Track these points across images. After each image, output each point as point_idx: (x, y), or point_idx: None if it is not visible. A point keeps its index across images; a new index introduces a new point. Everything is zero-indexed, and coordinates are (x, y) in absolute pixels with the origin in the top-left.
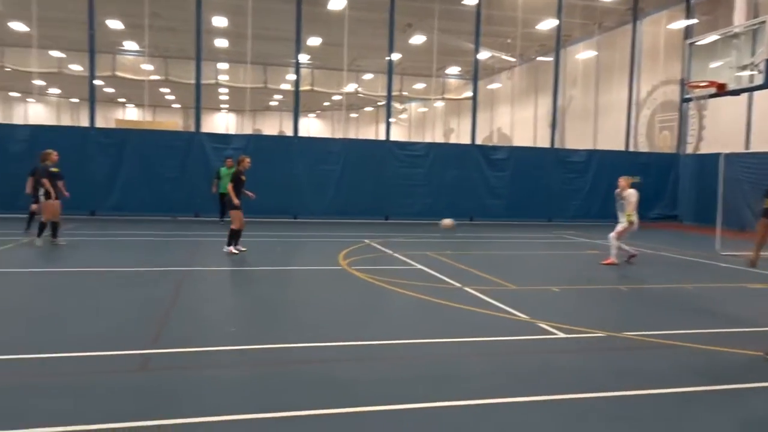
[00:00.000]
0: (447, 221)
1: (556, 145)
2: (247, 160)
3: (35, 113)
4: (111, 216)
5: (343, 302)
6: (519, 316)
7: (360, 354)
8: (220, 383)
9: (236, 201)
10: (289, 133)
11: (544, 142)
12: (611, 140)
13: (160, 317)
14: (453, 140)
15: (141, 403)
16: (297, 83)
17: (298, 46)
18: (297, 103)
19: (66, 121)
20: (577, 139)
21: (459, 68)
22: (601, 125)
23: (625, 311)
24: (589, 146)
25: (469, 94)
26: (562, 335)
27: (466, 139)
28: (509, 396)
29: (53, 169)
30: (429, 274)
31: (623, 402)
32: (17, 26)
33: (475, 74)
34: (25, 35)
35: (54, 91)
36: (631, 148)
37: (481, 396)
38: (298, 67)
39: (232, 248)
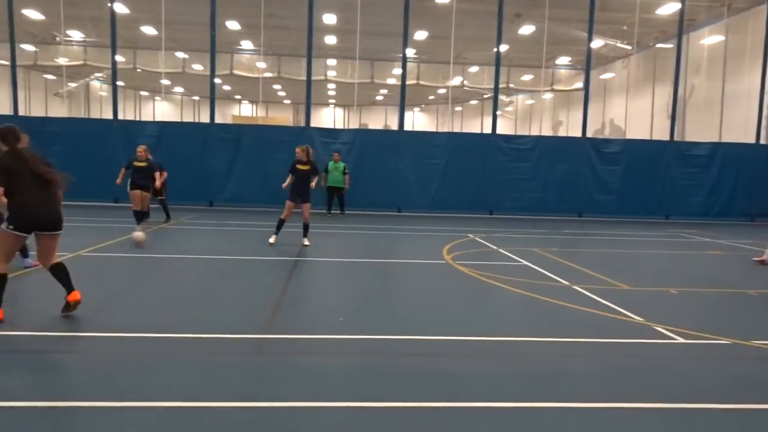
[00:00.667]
0: (138, 235)
1: (676, 138)
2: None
3: (162, 110)
4: (227, 207)
5: (448, 297)
6: (633, 318)
7: (464, 349)
8: (328, 370)
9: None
10: (395, 127)
11: (661, 135)
12: (739, 132)
13: (273, 304)
14: (562, 133)
15: (254, 385)
16: (403, 77)
17: (405, 40)
18: (403, 97)
19: (188, 117)
20: (699, 131)
21: (569, 58)
22: (728, 116)
23: (755, 317)
24: (713, 139)
25: (580, 84)
26: (681, 340)
27: (575, 132)
28: (619, 401)
29: (138, 163)
30: (535, 271)
31: (749, 416)
32: (148, 30)
33: (587, 64)
34: (154, 38)
35: (178, 89)
36: (763, 141)
37: (588, 399)
38: (404, 61)
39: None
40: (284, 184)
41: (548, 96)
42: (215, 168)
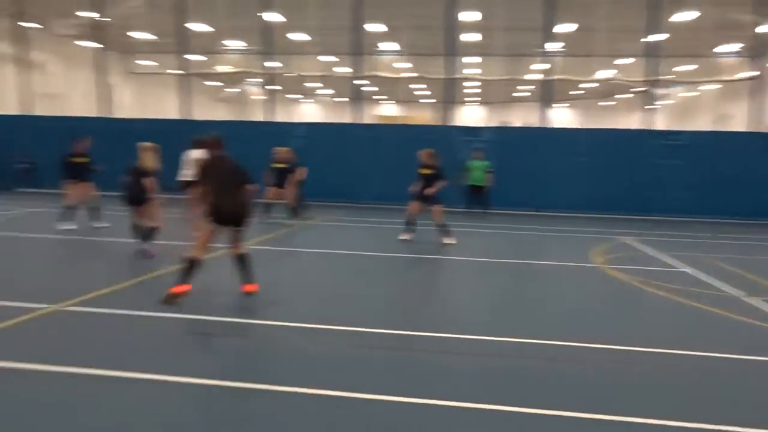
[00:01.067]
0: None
1: None
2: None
3: (309, 112)
4: (371, 205)
5: (598, 302)
6: None
7: (614, 358)
8: (468, 370)
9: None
10: (537, 124)
11: None
12: None
13: (414, 301)
14: (725, 128)
15: (394, 380)
16: (547, 72)
17: (549, 34)
18: (547, 93)
19: (334, 118)
20: None
21: (734, 46)
22: None
23: None
24: None
25: (748, 74)
26: None
27: (741, 126)
28: None
29: (277, 165)
30: (698, 279)
31: None
32: (297, 36)
33: (758, 51)
34: (304, 44)
35: (324, 91)
36: None
37: (754, 425)
38: (548, 55)
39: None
40: (412, 188)
41: (708, 87)
42: (359, 167)
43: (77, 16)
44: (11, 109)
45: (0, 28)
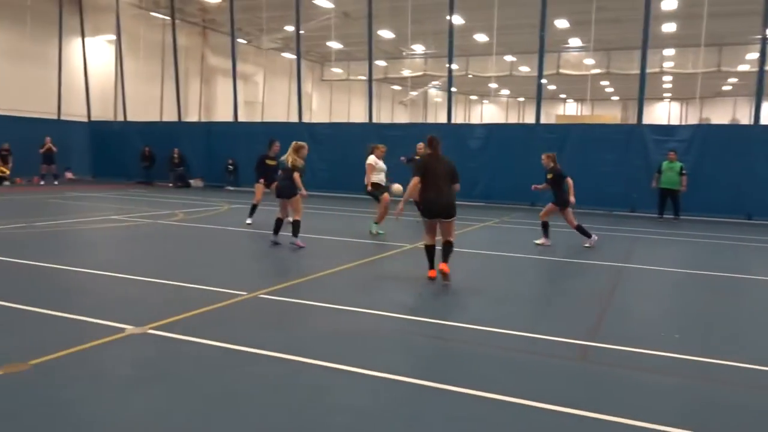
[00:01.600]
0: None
1: None
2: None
3: (489, 113)
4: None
5: None
6: None
7: None
8: (655, 390)
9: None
10: (745, 121)
11: None
12: None
13: (598, 310)
14: None
15: (577, 392)
16: (761, 62)
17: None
18: (760, 86)
19: (513, 118)
20: None
21: None
22: None
23: None
24: None
25: None
26: None
27: None
28: None
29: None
30: None
31: None
32: (480, 37)
33: None
34: (485, 45)
35: (504, 92)
36: None
37: None
38: (764, 42)
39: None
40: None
41: None
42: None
43: (282, 30)
44: (224, 116)
45: (219, 45)
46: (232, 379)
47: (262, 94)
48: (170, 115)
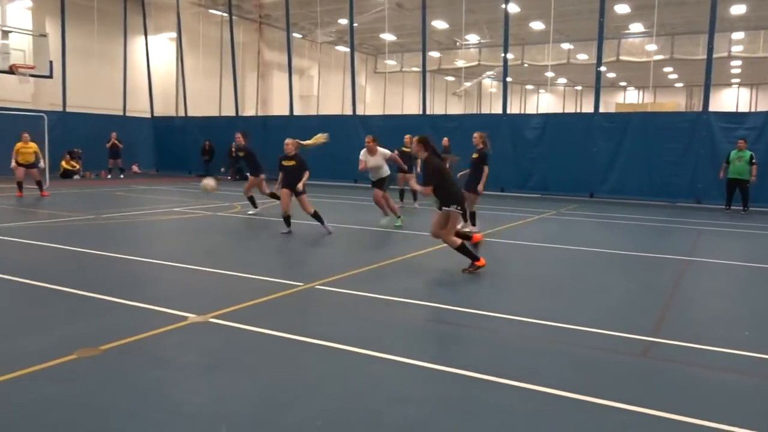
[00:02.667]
0: (208, 182)
1: None
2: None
3: (545, 102)
4: (608, 198)
5: None
6: None
7: None
8: (725, 388)
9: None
10: None
11: None
12: None
13: (661, 306)
14: None
15: (641, 389)
16: None
17: None
18: None
19: (570, 107)
20: None
21: None
22: None
23: None
24: None
25: None
26: None
27: None
28: None
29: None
30: None
31: None
32: (536, 25)
33: None
34: (542, 33)
35: (561, 80)
36: None
37: None
38: None
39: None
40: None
41: None
42: (598, 158)
43: (336, 24)
44: (280, 110)
45: (274, 40)
46: (291, 368)
47: (316, 87)
48: (228, 110)
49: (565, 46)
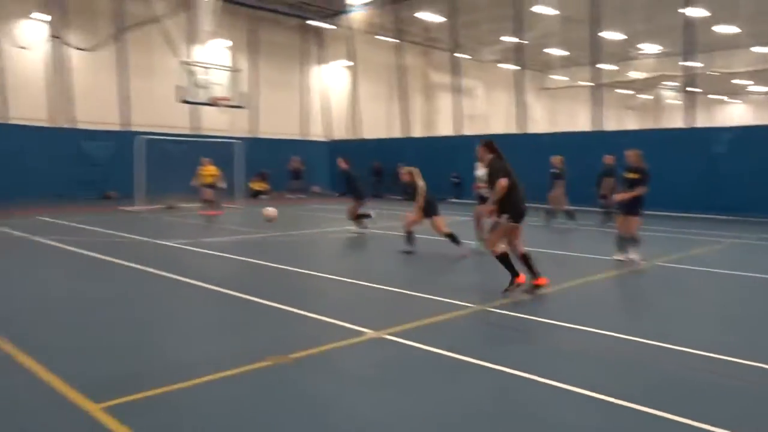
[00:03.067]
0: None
1: None
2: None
3: (736, 113)
4: None
5: None
6: None
7: None
8: None
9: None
10: None
11: None
12: None
13: None
14: None
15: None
16: None
17: None
18: None
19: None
20: None
21: None
22: None
23: None
24: None
25: None
26: None
27: None
28: None
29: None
30: None
31: None
32: (722, 29)
33: None
34: (730, 36)
35: (755, 89)
36: None
37: None
38: None
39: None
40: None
41: None
42: None
43: (501, 42)
44: (445, 130)
45: (440, 62)
46: (463, 389)
47: (482, 106)
48: (397, 131)
49: (758, 49)
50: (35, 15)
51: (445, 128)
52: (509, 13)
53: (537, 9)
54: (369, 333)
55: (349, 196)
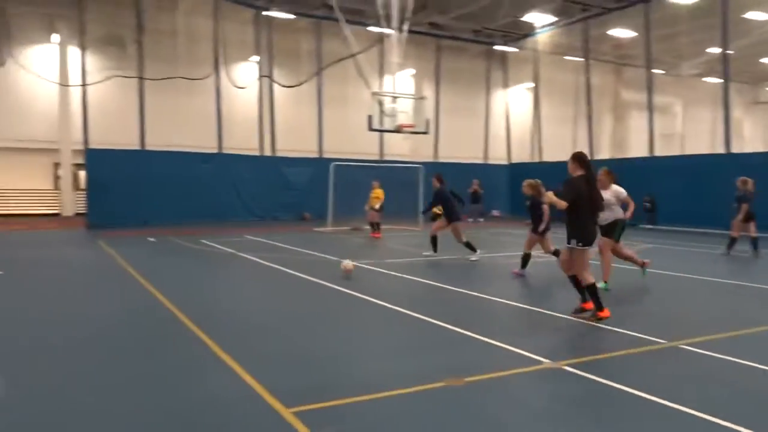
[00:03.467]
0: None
1: None
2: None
3: None
4: None
5: None
6: None
7: None
8: None
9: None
10: None
11: None
12: None
13: None
14: None
15: None
16: None
17: None
18: None
19: None
20: None
21: None
22: None
23: None
24: None
25: None
26: None
27: None
28: None
29: None
30: None
31: None
32: None
33: None
34: None
35: None
36: None
37: None
38: None
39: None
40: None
41: None
42: None
43: (704, 54)
44: (637, 152)
45: (632, 79)
46: (650, 430)
47: (680, 125)
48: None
49: None
50: (252, 59)
51: (636, 149)
52: (715, 23)
53: (749, 15)
54: (547, 363)
55: (446, 217)
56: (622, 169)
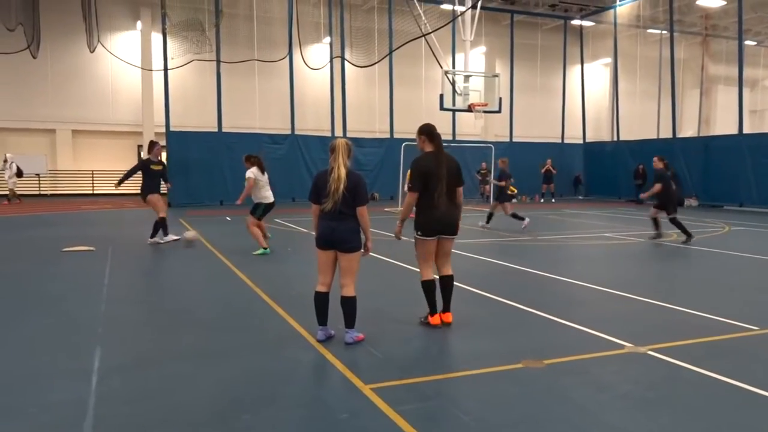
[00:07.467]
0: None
1: None
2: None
3: None
4: None
5: None
6: None
7: None
8: None
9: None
10: None
11: None
12: None
13: None
14: None
15: None
16: None
17: None
18: None
19: None
20: None
21: None
22: None
23: None
24: None
25: None
26: None
27: None
28: None
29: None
30: None
31: None
32: None
33: None
34: None
35: None
36: None
37: None
38: None
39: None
40: None
41: None
42: None
43: None
44: (725, 129)
45: (720, 52)
46: (736, 417)
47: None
48: (664, 132)
49: None
50: (324, 40)
51: (724, 127)
52: None
53: None
54: (629, 347)
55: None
56: (709, 148)
